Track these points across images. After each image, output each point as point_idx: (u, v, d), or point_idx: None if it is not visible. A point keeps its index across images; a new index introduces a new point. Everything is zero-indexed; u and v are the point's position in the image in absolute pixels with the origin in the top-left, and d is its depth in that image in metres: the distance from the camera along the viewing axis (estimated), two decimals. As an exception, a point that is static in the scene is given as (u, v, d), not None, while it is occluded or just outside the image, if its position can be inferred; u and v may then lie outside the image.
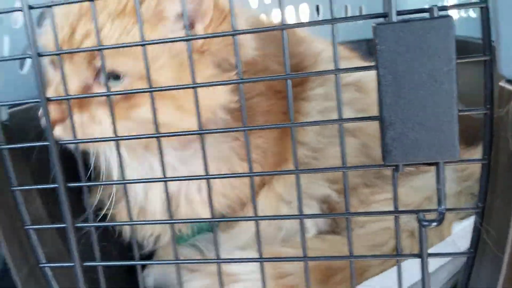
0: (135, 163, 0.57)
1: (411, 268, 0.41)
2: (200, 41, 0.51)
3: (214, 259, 0.43)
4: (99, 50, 0.39)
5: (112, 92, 0.43)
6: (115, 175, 0.54)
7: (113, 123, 0.41)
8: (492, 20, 0.34)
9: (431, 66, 0.32)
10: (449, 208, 0.36)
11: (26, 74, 0.60)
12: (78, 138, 0.43)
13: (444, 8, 0.33)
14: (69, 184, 0.42)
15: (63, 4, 0.44)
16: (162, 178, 0.42)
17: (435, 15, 0.32)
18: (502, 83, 0.36)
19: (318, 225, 0.64)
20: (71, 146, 0.47)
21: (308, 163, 0.62)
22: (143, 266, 0.67)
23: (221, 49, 0.52)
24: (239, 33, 0.36)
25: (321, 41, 0.73)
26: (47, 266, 0.47)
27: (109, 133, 0.49)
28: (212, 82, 0.39)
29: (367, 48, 1.02)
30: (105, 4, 0.49)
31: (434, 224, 0.35)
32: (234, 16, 0.37)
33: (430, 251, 0.38)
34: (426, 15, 0.33)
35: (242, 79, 0.38)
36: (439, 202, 0.35)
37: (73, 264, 0.44)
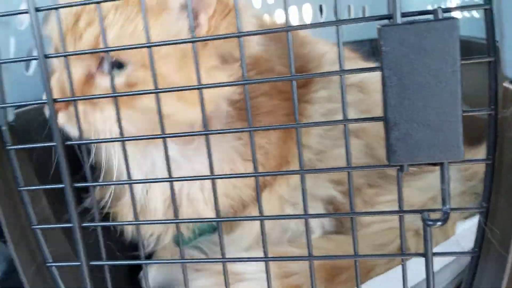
0: (137, 156, 0.57)
1: (416, 267, 0.41)
2: (203, 32, 0.51)
3: (219, 258, 0.43)
4: (105, 51, 0.39)
5: (115, 89, 0.42)
6: (116, 166, 0.54)
7: (119, 120, 0.41)
8: (496, 21, 0.34)
9: (436, 67, 0.33)
10: (454, 207, 0.36)
11: (32, 76, 0.60)
12: (81, 126, 0.43)
13: (448, 10, 0.33)
14: (76, 184, 0.43)
15: (69, 6, 0.44)
16: (168, 178, 0.42)
17: (440, 17, 0.32)
18: (506, 84, 0.36)
19: (324, 226, 0.64)
20: (75, 134, 0.48)
21: (311, 166, 0.62)
22: (141, 267, 0.67)
23: (225, 42, 0.52)
24: (245, 35, 0.37)
25: (324, 42, 0.74)
26: (54, 266, 0.47)
27: (112, 122, 0.49)
28: (217, 83, 0.40)
29: (370, 48, 1.02)
30: None
31: (439, 223, 0.35)
32: (239, 11, 0.37)
33: (434, 250, 0.38)
34: (430, 17, 0.33)
35: (246, 79, 0.38)
36: (444, 202, 0.35)
37: (79, 263, 0.44)
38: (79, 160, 0.46)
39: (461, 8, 0.58)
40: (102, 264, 0.45)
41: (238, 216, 0.63)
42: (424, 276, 0.38)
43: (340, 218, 0.64)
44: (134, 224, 0.46)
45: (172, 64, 0.50)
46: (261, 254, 0.42)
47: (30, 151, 0.50)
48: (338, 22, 0.35)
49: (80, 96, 0.45)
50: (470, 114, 0.34)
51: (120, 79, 0.49)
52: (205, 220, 0.63)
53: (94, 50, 0.46)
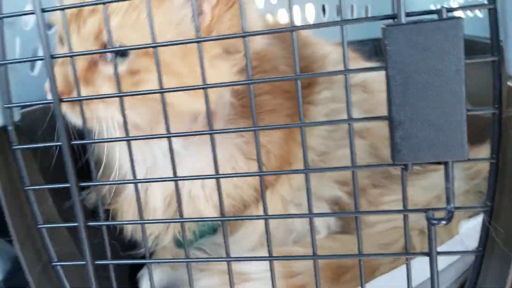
0: (136, 149, 0.57)
1: (420, 266, 0.41)
2: (207, 20, 0.51)
3: (224, 258, 0.43)
4: (116, 51, 0.39)
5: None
6: (117, 160, 0.54)
7: (123, 115, 0.41)
8: (500, 21, 0.35)
9: (440, 66, 0.33)
10: (458, 206, 0.36)
11: (37, 76, 0.61)
12: (84, 115, 0.43)
13: (452, 9, 0.33)
14: (82, 184, 0.43)
15: (75, 7, 0.44)
16: (172, 177, 0.42)
17: (444, 16, 0.32)
18: (510, 83, 0.36)
19: (330, 226, 0.64)
20: (79, 123, 0.47)
21: (314, 167, 0.62)
22: (139, 268, 0.67)
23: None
24: (250, 35, 0.37)
25: (327, 43, 0.74)
26: (60, 265, 0.48)
27: (114, 109, 0.49)
28: (222, 83, 0.40)
29: (372, 47, 1.03)
30: None
31: (443, 222, 0.35)
32: (243, 6, 0.37)
33: (439, 249, 0.38)
34: (434, 16, 0.33)
35: (251, 79, 0.38)
36: (448, 201, 0.36)
37: (85, 263, 0.44)
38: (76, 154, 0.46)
39: (465, 7, 0.58)
40: (107, 263, 0.45)
41: (241, 216, 0.63)
42: (428, 275, 0.38)
43: (345, 218, 0.64)
44: (139, 223, 0.46)
45: (175, 51, 0.49)
46: (266, 254, 0.42)
47: (35, 150, 0.50)
48: (342, 22, 0.35)
49: (85, 96, 0.45)
50: (474, 113, 0.34)
51: (123, 66, 0.49)
52: (210, 219, 0.62)
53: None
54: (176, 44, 0.38)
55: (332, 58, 0.68)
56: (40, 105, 0.51)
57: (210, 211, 0.61)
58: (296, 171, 0.60)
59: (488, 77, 0.36)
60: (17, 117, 0.46)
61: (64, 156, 0.42)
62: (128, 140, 0.42)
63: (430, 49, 0.33)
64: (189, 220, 0.57)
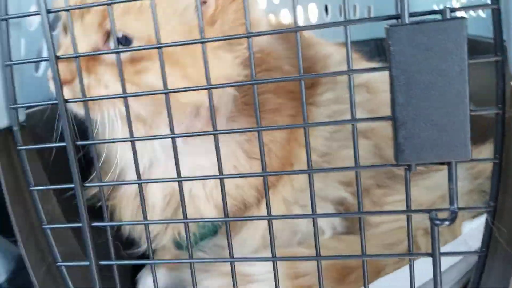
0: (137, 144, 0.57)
1: (424, 267, 0.41)
2: (211, 10, 0.51)
3: (227, 258, 0.43)
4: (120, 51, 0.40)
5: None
6: (118, 151, 0.54)
7: (127, 109, 0.41)
8: (504, 21, 0.35)
9: (443, 66, 0.33)
10: (461, 207, 0.36)
11: (41, 76, 0.61)
12: (86, 101, 0.43)
13: (456, 9, 0.34)
14: (86, 184, 0.43)
15: (80, 8, 0.44)
16: (177, 178, 0.43)
17: (448, 16, 0.32)
18: (513, 83, 0.36)
19: (335, 227, 0.63)
20: (80, 112, 0.47)
21: (317, 168, 0.62)
22: (139, 267, 0.67)
23: (233, 28, 0.52)
24: (254, 35, 0.37)
25: (329, 43, 0.74)
26: (64, 265, 0.48)
27: (116, 99, 0.48)
28: (227, 83, 0.40)
29: (374, 47, 1.02)
30: None
31: (446, 223, 0.35)
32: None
33: (443, 249, 0.38)
34: (438, 16, 0.33)
35: (255, 79, 0.38)
36: (451, 201, 0.36)
37: (88, 263, 0.44)
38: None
39: (469, 8, 0.58)
40: (111, 263, 0.45)
41: (244, 216, 0.63)
42: (431, 275, 0.38)
43: (351, 219, 0.63)
44: (143, 223, 0.46)
45: (177, 40, 0.49)
46: (269, 255, 0.42)
47: (40, 150, 0.50)
48: (346, 23, 0.35)
49: (89, 98, 0.45)
50: (477, 113, 0.34)
51: (126, 54, 0.48)
52: (213, 220, 0.62)
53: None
54: (180, 44, 0.38)
55: (334, 59, 0.68)
56: (45, 105, 0.51)
57: (210, 210, 0.60)
58: (300, 172, 0.60)
59: (491, 76, 0.36)
60: (22, 117, 0.46)
61: (68, 157, 0.42)
62: (132, 140, 0.42)
63: (434, 49, 0.33)
64: (192, 220, 0.56)
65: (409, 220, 0.39)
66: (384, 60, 0.35)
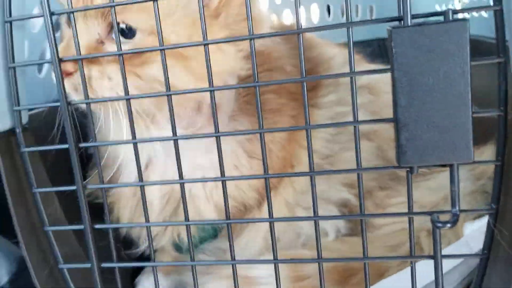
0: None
1: (426, 269, 0.41)
2: (215, 3, 0.50)
3: (229, 261, 0.43)
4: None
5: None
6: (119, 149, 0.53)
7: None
8: (506, 22, 0.35)
9: (446, 68, 0.33)
10: (463, 209, 0.36)
11: (44, 78, 0.61)
12: (88, 98, 0.43)
13: (458, 11, 0.33)
14: (89, 186, 0.43)
15: (84, 10, 0.44)
16: (178, 180, 0.43)
17: (450, 18, 0.32)
18: (516, 84, 0.36)
19: (339, 229, 0.63)
20: (83, 106, 0.46)
21: (318, 170, 0.61)
22: (138, 268, 0.66)
23: (237, 23, 0.52)
24: (257, 37, 0.37)
25: (331, 44, 0.73)
26: (66, 267, 0.48)
27: (119, 90, 0.48)
28: (229, 85, 0.40)
29: (377, 48, 1.02)
30: None
31: (448, 225, 0.35)
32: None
33: (445, 251, 0.38)
34: (440, 18, 0.33)
35: (257, 81, 0.38)
36: (453, 204, 0.35)
37: (90, 265, 0.44)
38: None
39: (472, 9, 0.58)
40: (113, 266, 0.45)
41: (246, 218, 0.62)
42: (433, 277, 0.38)
43: (354, 220, 0.63)
44: (144, 226, 0.46)
45: (181, 32, 0.49)
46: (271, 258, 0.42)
47: (43, 151, 0.50)
48: (349, 24, 0.35)
49: (92, 100, 0.45)
50: (479, 115, 0.34)
51: (129, 46, 0.48)
52: (215, 222, 0.62)
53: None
54: (183, 46, 0.38)
55: (337, 61, 0.68)
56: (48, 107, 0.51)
57: (210, 211, 0.60)
58: (302, 174, 0.60)
59: (493, 77, 0.36)
60: (25, 119, 0.46)
61: (71, 159, 0.42)
62: (135, 142, 0.42)
63: (436, 51, 0.33)
64: (194, 223, 0.56)
65: (410, 222, 0.39)
66: (387, 61, 0.35)
